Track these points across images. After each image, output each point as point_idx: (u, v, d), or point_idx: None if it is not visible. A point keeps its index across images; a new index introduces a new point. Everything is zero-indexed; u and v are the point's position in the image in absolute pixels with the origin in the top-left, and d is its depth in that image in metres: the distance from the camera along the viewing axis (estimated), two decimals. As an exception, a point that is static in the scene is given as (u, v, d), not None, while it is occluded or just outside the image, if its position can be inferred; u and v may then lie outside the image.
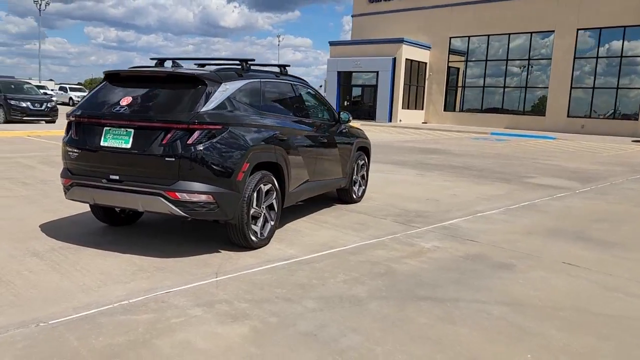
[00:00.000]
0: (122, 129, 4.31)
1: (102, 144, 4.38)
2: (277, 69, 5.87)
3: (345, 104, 34.88)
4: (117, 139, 4.32)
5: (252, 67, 5.34)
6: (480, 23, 31.11)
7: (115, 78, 4.73)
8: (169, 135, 4.17)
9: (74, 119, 4.58)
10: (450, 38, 32.98)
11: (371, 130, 25.90)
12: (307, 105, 6.01)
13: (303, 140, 5.57)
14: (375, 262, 4.63)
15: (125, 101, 4.42)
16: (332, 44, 35.24)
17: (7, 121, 18.09)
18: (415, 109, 33.88)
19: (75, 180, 4.53)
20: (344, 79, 34.94)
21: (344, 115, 6.60)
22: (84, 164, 4.50)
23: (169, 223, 5.59)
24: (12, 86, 19.38)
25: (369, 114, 33.14)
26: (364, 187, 7.35)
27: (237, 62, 5.09)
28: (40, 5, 51.24)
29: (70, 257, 4.40)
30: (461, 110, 33.33)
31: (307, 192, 5.74)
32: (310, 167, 5.70)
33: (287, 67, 5.83)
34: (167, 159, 4.16)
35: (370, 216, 6.43)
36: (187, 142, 4.16)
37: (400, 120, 31.93)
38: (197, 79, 4.43)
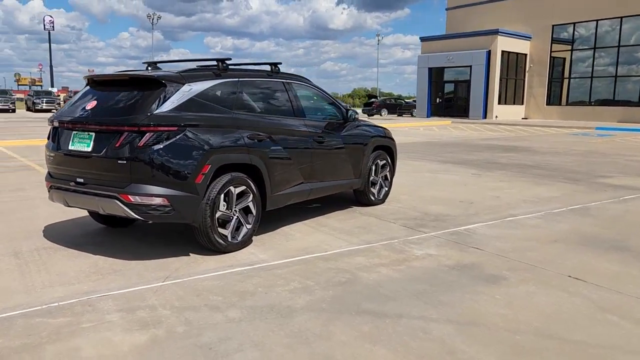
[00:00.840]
0: (85, 133, 4.38)
1: (69, 147, 4.48)
2: (281, 70, 5.70)
3: (437, 100, 33.76)
4: (81, 143, 4.40)
5: (242, 67, 5.22)
6: (588, 7, 28.52)
7: (92, 83, 4.83)
8: (121, 138, 4.17)
9: (51, 124, 4.74)
10: (554, 26, 30.61)
11: (458, 128, 24.85)
12: (304, 104, 5.76)
13: (295, 141, 5.34)
14: (344, 269, 4.30)
15: (90, 105, 4.49)
16: (423, 39, 34.26)
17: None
18: (514, 104, 31.90)
19: (52, 183, 4.69)
20: (436, 75, 33.82)
21: (351, 113, 6.26)
22: (58, 168, 4.64)
23: (166, 224, 5.61)
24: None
25: (464, 110, 31.76)
26: (386, 189, 6.93)
27: (215, 61, 4.99)
28: (152, 19, 55.39)
29: (44, 257, 4.55)
30: (567, 104, 30.80)
31: (302, 195, 5.50)
32: (305, 168, 5.46)
33: (278, 65, 5.62)
34: (119, 161, 4.15)
35: (379, 219, 6.04)
36: (138, 145, 4.12)
37: (496, 117, 30.25)
38: (156, 80, 4.38)
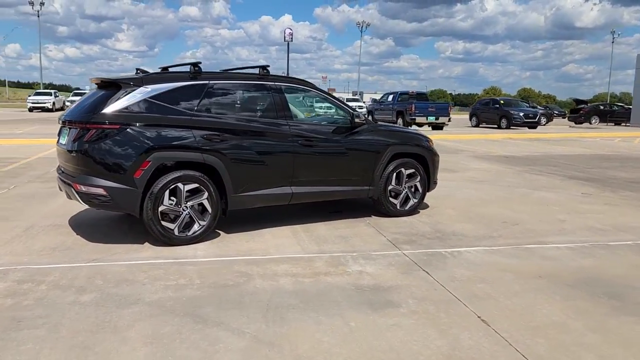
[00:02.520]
0: (66, 129, 5.09)
1: (60, 142, 5.25)
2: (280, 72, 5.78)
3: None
4: (63, 138, 5.13)
5: (229, 70, 5.47)
6: None
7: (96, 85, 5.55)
8: (76, 133, 4.77)
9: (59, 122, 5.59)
10: None
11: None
12: (295, 107, 5.73)
13: (271, 143, 5.35)
14: (248, 274, 4.27)
15: (75, 105, 5.20)
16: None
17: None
18: None
19: (57, 172, 5.54)
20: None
21: (359, 118, 5.96)
22: (58, 159, 5.46)
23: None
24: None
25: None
26: (415, 200, 6.42)
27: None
28: (362, 27, 58.35)
29: (37, 233, 5.39)
30: None
31: (281, 198, 5.48)
32: (285, 171, 5.43)
33: (267, 68, 5.67)
34: (72, 154, 4.76)
35: (376, 231, 5.69)
36: (84, 140, 4.67)
37: None
38: (115, 83, 4.88)
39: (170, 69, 5.57)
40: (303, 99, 6.22)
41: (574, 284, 4.14)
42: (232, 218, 5.85)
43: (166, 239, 4.87)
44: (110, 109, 4.72)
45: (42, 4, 51.31)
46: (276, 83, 5.59)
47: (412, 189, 6.42)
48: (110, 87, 4.89)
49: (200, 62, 5.18)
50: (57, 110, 41.18)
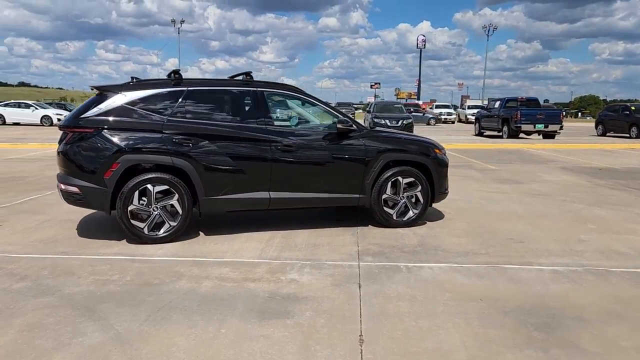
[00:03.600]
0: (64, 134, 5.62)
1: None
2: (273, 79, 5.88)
3: None
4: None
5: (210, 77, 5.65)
6: None
7: None
8: (62, 137, 5.26)
9: None
10: None
11: None
12: (278, 113, 5.76)
13: (246, 148, 5.41)
14: (179, 274, 4.39)
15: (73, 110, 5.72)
16: None
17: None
18: None
19: None
20: None
21: (344, 123, 5.80)
22: None
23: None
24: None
25: None
26: (416, 211, 6.09)
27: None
28: (488, 31, 55.62)
29: (45, 225, 6.01)
30: None
31: (258, 203, 5.53)
32: (262, 176, 5.48)
33: (248, 75, 5.75)
34: (59, 156, 5.25)
35: (351, 241, 5.50)
36: (65, 142, 5.14)
37: None
38: (101, 90, 5.30)
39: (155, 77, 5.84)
40: (290, 105, 6.18)
41: (511, 311, 3.68)
42: (226, 220, 6.02)
43: (136, 237, 5.15)
44: (89, 114, 5.13)
45: (182, 21, 56.36)
46: (258, 89, 5.65)
47: (413, 199, 6.08)
48: (100, 94, 5.29)
49: (179, 70, 5.41)
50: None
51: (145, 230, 5.17)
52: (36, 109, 30.71)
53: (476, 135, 26.19)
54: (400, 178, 5.97)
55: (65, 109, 32.99)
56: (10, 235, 5.52)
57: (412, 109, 42.38)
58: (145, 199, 5.16)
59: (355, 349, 3.07)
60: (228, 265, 4.63)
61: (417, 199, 6.09)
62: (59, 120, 30.10)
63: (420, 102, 57.54)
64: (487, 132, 25.88)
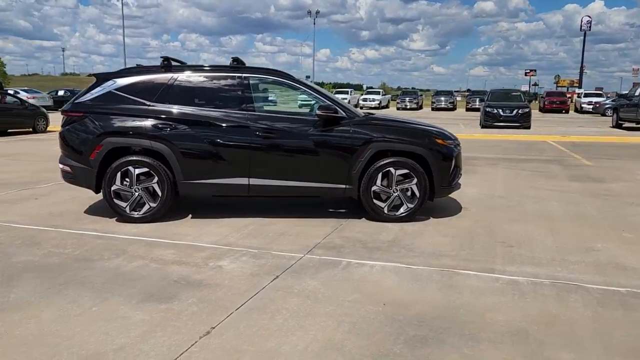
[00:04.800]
0: None
1: None
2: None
3: None
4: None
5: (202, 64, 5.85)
6: None
7: None
8: (62, 120, 5.78)
9: None
10: None
11: None
12: (263, 99, 5.70)
13: (227, 133, 5.45)
14: (121, 252, 4.60)
15: None
16: None
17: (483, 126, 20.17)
18: None
19: None
20: None
21: (330, 109, 5.56)
22: None
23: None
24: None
25: None
26: (410, 206, 5.67)
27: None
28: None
29: (69, 201, 6.65)
30: None
31: (237, 189, 5.56)
32: (242, 162, 5.50)
33: (238, 60, 5.76)
34: (59, 138, 5.79)
35: (330, 231, 5.31)
36: (62, 125, 5.66)
37: None
38: (96, 77, 5.72)
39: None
40: (277, 91, 6.06)
41: (403, 320, 3.32)
42: (222, 204, 6.19)
43: (119, 215, 5.49)
44: (82, 99, 5.56)
45: (317, 12, 57.71)
46: (244, 75, 5.65)
47: (408, 193, 5.67)
48: (96, 81, 5.71)
49: (237, 58, 5.71)
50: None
51: (127, 210, 5.47)
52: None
53: (613, 127, 23.31)
54: (392, 169, 5.59)
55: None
56: (30, 208, 6.20)
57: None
58: (128, 180, 5.44)
59: (188, 341, 2.99)
60: (175, 247, 4.74)
61: (413, 194, 5.65)
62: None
63: (568, 91, 52.62)
64: (627, 124, 22.88)
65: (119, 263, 4.31)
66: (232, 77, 5.64)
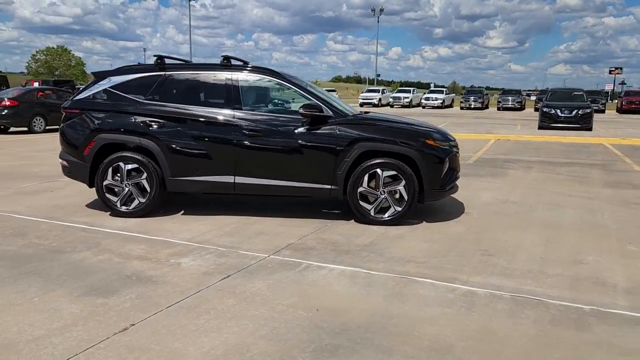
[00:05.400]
0: None
1: None
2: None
3: None
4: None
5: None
6: None
7: None
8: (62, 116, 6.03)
9: None
10: None
11: None
12: (251, 97, 5.69)
13: (212, 131, 5.47)
14: (93, 245, 4.74)
15: None
16: None
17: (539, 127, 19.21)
18: None
19: None
20: None
21: (305, 108, 5.46)
22: None
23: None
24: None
25: None
26: (398, 209, 5.47)
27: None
28: None
29: (77, 194, 6.93)
30: None
31: (223, 187, 5.57)
32: (227, 160, 5.50)
33: (228, 60, 5.77)
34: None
35: (309, 232, 5.24)
36: (62, 121, 5.91)
37: None
38: (95, 75, 5.94)
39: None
40: (267, 89, 6.00)
41: (326, 328, 3.21)
42: (217, 202, 6.26)
43: (111, 210, 5.67)
44: (80, 97, 5.78)
45: (381, 10, 57.08)
46: (233, 73, 5.66)
47: (396, 195, 5.48)
48: (94, 79, 5.93)
49: (227, 57, 5.74)
50: (382, 105, 45.55)
51: (118, 204, 5.64)
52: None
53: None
54: (379, 170, 5.42)
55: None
56: (40, 199, 6.53)
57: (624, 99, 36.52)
58: (119, 176, 5.60)
59: (101, 337, 3.02)
60: (148, 243, 4.82)
61: (401, 197, 5.45)
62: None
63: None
64: None
65: (85, 256, 4.43)
66: (221, 76, 5.65)
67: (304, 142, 5.44)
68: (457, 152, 5.75)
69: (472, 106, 40.79)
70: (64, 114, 5.88)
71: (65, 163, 5.85)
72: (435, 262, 4.39)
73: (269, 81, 5.79)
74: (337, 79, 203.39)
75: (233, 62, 5.81)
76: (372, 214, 5.47)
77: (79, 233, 5.10)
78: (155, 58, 5.84)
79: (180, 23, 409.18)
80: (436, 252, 4.67)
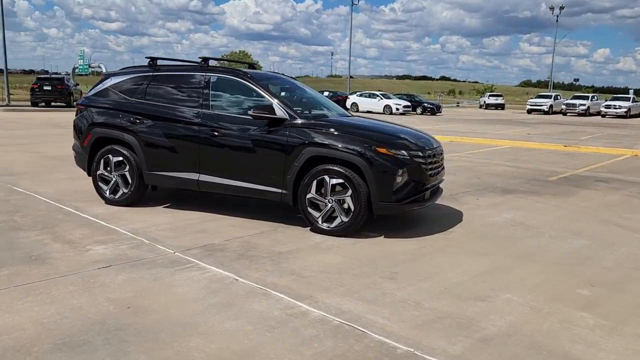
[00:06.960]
0: None
1: None
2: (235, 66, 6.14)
3: None
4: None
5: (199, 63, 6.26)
6: None
7: None
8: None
9: None
10: None
11: None
12: (218, 98, 5.84)
13: (180, 129, 5.73)
14: (60, 229, 5.39)
15: None
16: None
17: None
18: None
19: None
20: None
21: (254, 110, 5.43)
22: None
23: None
24: None
25: None
26: (345, 220, 5.16)
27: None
28: None
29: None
30: None
31: (190, 183, 5.80)
32: (192, 157, 5.71)
33: (206, 60, 5.98)
34: (73, 127, 6.86)
35: (261, 236, 5.31)
36: (75, 115, 6.73)
37: None
38: (103, 75, 6.65)
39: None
40: (241, 91, 5.95)
41: (77, 319, 3.27)
42: (208, 198, 6.55)
43: (102, 198, 6.31)
44: (89, 94, 6.52)
45: (561, 8, 52.04)
46: (207, 74, 5.88)
47: (345, 205, 5.21)
48: (102, 78, 6.63)
49: (202, 58, 6.07)
50: (553, 113, 41.79)
51: (107, 193, 6.22)
52: (381, 99, 34.56)
53: None
54: (327, 177, 5.18)
55: (412, 100, 35.91)
56: (69, 184, 7.35)
57: None
58: (109, 167, 6.19)
59: None
60: (96, 228, 5.26)
61: (348, 207, 5.15)
62: (397, 109, 33.16)
63: None
64: None
65: (29, 235, 4.98)
66: (195, 77, 5.89)
67: (257, 144, 5.43)
68: (420, 163, 5.20)
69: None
70: (77, 109, 6.64)
71: (73, 153, 6.61)
72: (321, 278, 4.09)
73: (237, 82, 5.84)
74: (527, 84, 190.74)
75: (212, 62, 5.99)
76: (320, 222, 5.24)
77: (57, 216, 5.72)
78: (150, 59, 6.28)
79: (368, 27, 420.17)
80: (339, 268, 4.33)
